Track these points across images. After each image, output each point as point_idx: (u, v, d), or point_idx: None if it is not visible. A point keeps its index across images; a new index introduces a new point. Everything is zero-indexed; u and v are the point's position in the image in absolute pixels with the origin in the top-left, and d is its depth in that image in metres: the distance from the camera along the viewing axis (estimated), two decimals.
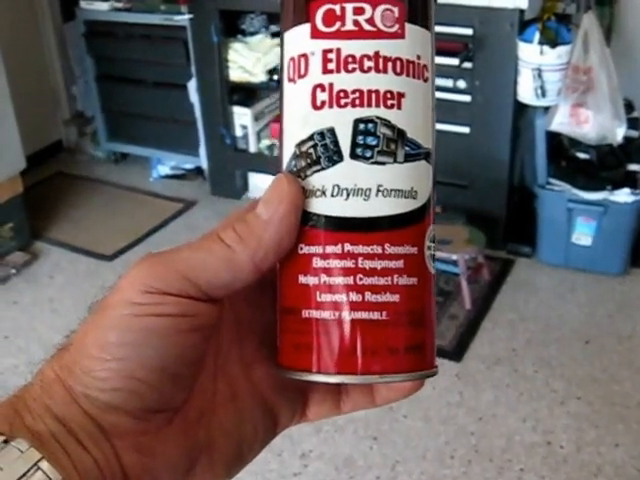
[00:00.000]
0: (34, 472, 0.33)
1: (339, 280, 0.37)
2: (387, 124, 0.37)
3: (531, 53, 2.62)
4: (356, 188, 0.37)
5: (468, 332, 2.57)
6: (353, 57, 0.37)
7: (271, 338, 0.41)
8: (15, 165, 3.10)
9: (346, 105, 0.37)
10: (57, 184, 3.84)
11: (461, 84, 2.86)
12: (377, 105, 0.37)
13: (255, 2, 3.24)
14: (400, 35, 0.38)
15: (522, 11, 2.64)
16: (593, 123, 2.59)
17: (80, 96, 4.11)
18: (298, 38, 0.39)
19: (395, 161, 0.37)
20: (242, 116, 3.42)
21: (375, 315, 0.37)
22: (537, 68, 2.62)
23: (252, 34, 3.35)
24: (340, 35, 0.37)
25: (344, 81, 0.37)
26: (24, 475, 0.33)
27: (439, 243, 2.63)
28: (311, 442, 2.14)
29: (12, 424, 0.35)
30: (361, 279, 0.37)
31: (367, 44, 0.37)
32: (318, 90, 0.37)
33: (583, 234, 2.78)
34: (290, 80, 0.39)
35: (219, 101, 3.42)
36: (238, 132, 3.46)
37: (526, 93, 2.70)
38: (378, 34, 0.37)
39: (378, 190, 0.37)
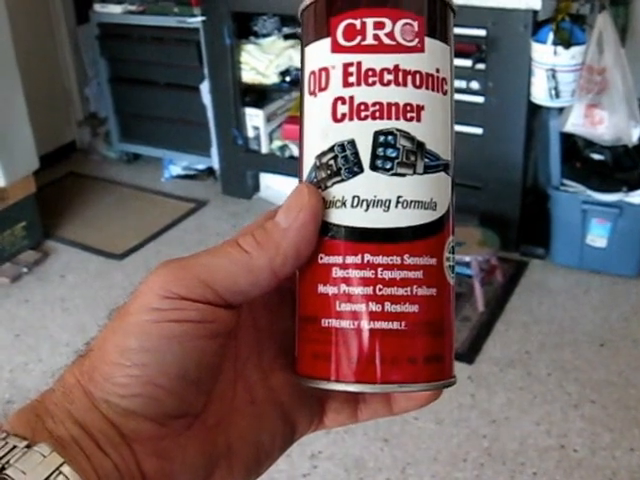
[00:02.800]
0: (56, 476, 0.33)
1: (359, 290, 0.37)
2: (407, 136, 0.38)
3: (545, 54, 2.61)
4: (376, 199, 0.37)
5: (481, 334, 2.56)
6: (373, 71, 0.38)
7: (290, 346, 0.41)
8: (28, 165, 3.12)
9: (366, 117, 0.37)
10: (70, 184, 3.85)
11: (474, 85, 2.85)
12: (397, 117, 0.37)
13: (267, 4, 3.24)
14: (420, 49, 0.38)
15: (535, 12, 2.63)
16: (608, 124, 2.57)
17: (93, 97, 4.13)
18: (319, 52, 0.39)
19: (415, 173, 0.38)
20: (254, 117, 3.43)
21: (395, 325, 0.37)
22: (551, 69, 2.60)
23: (264, 36, 3.35)
24: (360, 49, 0.38)
25: (364, 94, 0.38)
26: (46, 479, 0.33)
27: None
28: (321, 443, 2.13)
29: (34, 429, 0.35)
30: (381, 289, 0.37)
31: (387, 58, 0.38)
32: (339, 103, 0.38)
33: (598, 236, 2.76)
34: (311, 93, 0.39)
35: (231, 102, 3.42)
36: (250, 133, 3.46)
37: (540, 94, 2.68)
38: (398, 48, 0.38)
39: (398, 201, 0.37)
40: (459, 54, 2.76)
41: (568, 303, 2.72)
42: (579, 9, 2.66)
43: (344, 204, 0.38)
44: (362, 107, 0.37)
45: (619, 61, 2.54)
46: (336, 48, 0.38)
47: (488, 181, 2.93)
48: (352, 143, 0.37)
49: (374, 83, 0.37)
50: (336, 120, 0.38)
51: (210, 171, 3.79)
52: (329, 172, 0.38)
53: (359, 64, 0.38)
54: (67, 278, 3.05)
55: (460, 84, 2.86)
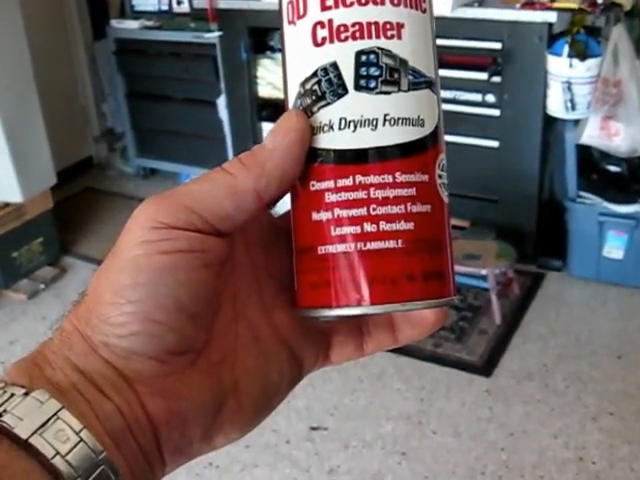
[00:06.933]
0: (54, 422, 0.33)
1: (353, 212, 0.37)
2: (388, 54, 0.37)
3: (560, 66, 2.61)
4: (363, 119, 0.37)
5: (498, 347, 2.55)
6: None
7: (290, 283, 0.40)
8: (46, 181, 3.13)
9: (347, 39, 0.37)
10: (87, 199, 3.88)
11: (490, 98, 2.85)
12: (377, 36, 0.37)
13: None
14: None
15: (551, 24, 2.64)
16: (624, 136, 2.56)
17: (110, 113, 4.16)
18: None
19: (400, 90, 0.37)
20: None
21: (391, 244, 0.37)
22: (567, 81, 2.60)
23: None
24: None
25: (343, 16, 0.37)
26: (44, 425, 0.33)
27: (468, 258, 2.62)
28: (339, 458, 2.13)
29: (32, 377, 0.35)
30: (374, 209, 0.37)
31: None
32: (318, 27, 0.38)
33: (614, 247, 2.75)
34: (290, 22, 0.39)
35: (248, 117, 3.44)
36: None
37: (556, 106, 2.69)
38: None
39: (385, 119, 0.37)
40: (475, 67, 2.78)
41: (585, 315, 2.71)
42: (594, 21, 2.66)
43: (331, 127, 0.37)
44: (342, 29, 0.37)
45: (634, 73, 2.54)
46: None
47: (504, 194, 2.93)
48: (334, 65, 0.37)
49: (352, 4, 0.37)
50: (317, 45, 0.38)
51: None
52: (314, 97, 0.38)
53: None
54: None
55: (476, 97, 2.87)
